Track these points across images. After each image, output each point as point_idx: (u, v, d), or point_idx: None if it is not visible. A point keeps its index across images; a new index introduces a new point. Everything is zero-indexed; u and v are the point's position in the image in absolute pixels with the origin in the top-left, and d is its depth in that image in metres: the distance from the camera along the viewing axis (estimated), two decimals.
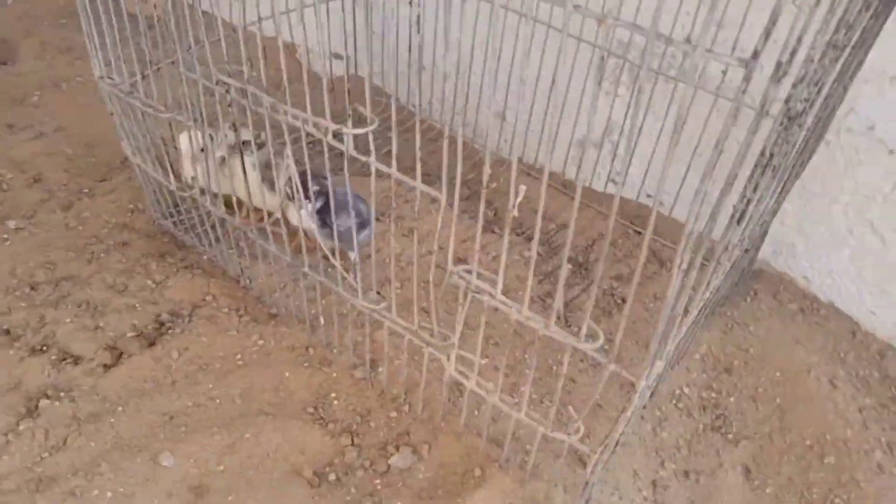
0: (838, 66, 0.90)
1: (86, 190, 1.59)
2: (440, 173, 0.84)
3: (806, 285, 1.51)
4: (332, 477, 1.13)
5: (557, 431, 0.96)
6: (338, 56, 1.97)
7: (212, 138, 1.21)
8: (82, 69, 2.07)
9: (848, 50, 0.91)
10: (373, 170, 0.92)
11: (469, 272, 0.92)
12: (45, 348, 1.22)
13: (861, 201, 1.32)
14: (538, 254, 1.62)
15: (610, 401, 1.29)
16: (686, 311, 0.81)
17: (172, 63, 1.08)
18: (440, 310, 1.34)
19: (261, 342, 1.29)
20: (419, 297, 1.03)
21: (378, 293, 1.08)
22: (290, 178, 1.13)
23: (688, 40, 1.33)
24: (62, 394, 1.17)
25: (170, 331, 1.29)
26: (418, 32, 1.77)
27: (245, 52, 0.95)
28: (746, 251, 1.23)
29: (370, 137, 0.88)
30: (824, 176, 1.34)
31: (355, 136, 0.89)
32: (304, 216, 1.21)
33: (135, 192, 1.58)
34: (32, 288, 1.33)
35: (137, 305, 1.32)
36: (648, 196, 1.65)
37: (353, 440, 1.17)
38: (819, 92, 0.89)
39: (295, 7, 0.99)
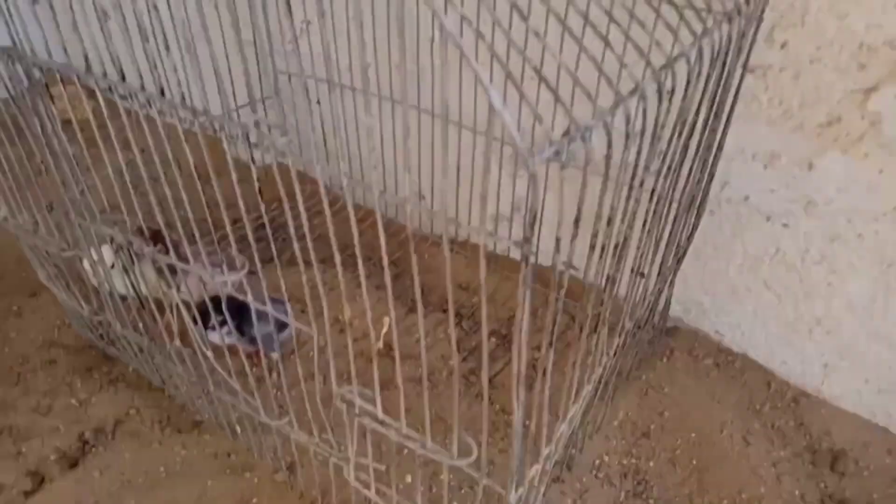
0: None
1: (14, 308, 1.62)
2: (366, 254, 0.87)
3: (719, 339, 1.56)
4: None
5: None
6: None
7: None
8: None
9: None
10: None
11: (352, 392, 0.96)
12: None
13: (752, 262, 1.38)
14: (462, 329, 1.66)
15: None
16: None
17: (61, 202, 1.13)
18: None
19: (184, 452, 1.32)
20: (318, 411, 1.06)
21: (280, 407, 1.11)
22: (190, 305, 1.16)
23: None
24: None
25: (93, 450, 1.31)
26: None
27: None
28: (639, 326, 1.28)
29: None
30: (715, 241, 1.40)
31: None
32: (214, 338, 1.24)
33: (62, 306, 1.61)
34: None
35: (61, 426, 1.34)
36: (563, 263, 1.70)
37: None
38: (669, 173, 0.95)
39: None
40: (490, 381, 1.51)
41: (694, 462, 1.36)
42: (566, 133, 0.64)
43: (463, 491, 1.28)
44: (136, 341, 1.29)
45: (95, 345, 1.52)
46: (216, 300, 1.22)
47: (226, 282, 0.94)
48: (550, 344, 0.80)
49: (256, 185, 0.87)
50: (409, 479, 1.27)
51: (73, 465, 1.28)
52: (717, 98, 1.01)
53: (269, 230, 0.92)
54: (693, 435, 1.40)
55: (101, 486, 1.26)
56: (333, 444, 1.05)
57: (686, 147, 1.00)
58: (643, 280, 1.17)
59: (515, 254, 1.77)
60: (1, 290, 1.68)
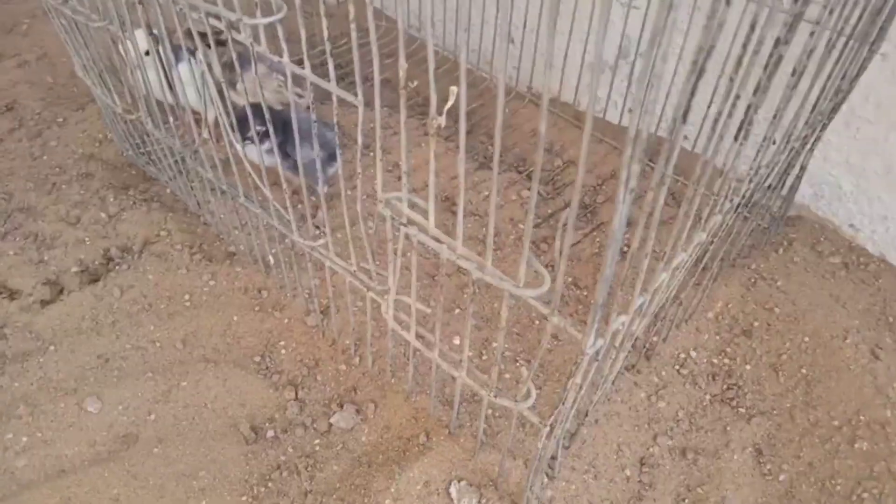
0: None
1: (59, 119, 1.51)
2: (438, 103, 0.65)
3: (853, 235, 1.27)
4: (269, 433, 1.02)
5: (503, 397, 0.81)
6: None
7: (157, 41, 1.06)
8: None
9: None
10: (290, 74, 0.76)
11: (401, 200, 0.76)
12: None
13: None
14: (539, 194, 1.43)
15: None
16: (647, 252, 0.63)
17: None
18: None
19: (212, 283, 1.18)
20: (359, 236, 0.88)
21: (317, 227, 0.94)
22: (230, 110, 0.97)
23: None
24: None
25: (117, 267, 1.19)
26: None
27: None
28: (768, 187, 1.01)
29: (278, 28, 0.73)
30: (879, 98, 1.09)
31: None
32: (252, 153, 1.06)
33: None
34: None
35: (87, 239, 1.23)
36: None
37: (297, 394, 1.05)
38: None
39: None
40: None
41: (803, 371, 1.12)
42: None
43: (518, 363, 1.09)
44: (168, 144, 1.13)
45: (135, 163, 1.39)
46: (258, 108, 1.04)
47: (257, 27, 0.74)
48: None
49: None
50: (456, 340, 1.09)
51: (95, 280, 1.17)
52: None
53: (330, 63, 0.70)
54: (806, 339, 1.14)
55: (120, 305, 1.14)
56: (373, 272, 0.87)
57: None
58: (778, 144, 0.89)
59: (611, 114, 1.50)
60: (50, 100, 1.56)
